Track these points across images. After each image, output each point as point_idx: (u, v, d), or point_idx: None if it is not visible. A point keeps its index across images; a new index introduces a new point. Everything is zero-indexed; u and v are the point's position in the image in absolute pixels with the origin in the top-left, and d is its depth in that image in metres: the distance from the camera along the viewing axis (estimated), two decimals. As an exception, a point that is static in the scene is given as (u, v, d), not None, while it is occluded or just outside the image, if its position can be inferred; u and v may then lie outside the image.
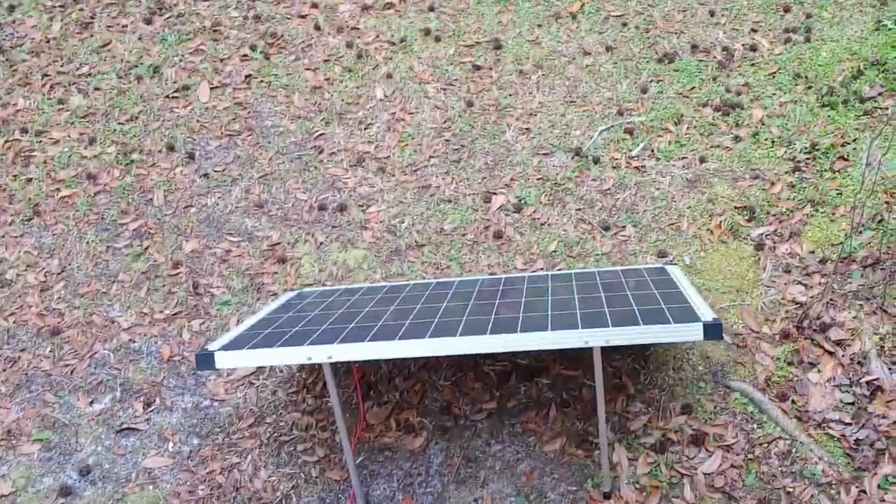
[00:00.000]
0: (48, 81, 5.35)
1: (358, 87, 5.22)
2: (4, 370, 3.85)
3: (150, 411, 3.68)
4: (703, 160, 4.52)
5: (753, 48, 5.10)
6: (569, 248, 4.21)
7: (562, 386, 3.62)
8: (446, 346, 2.87)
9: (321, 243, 4.38)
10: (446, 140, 4.85)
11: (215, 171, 4.80)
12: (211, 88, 5.28)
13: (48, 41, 5.57)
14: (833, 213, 4.16)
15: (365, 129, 4.97)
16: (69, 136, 5.03)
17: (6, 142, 5.01)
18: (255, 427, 3.60)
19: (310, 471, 3.44)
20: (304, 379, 3.76)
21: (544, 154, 4.70)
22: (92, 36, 5.58)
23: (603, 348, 3.70)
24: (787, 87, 4.84)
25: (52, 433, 3.60)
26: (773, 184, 4.35)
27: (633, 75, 5.08)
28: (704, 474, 3.26)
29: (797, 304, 3.80)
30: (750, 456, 3.30)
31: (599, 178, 4.52)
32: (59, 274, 4.29)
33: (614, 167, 4.57)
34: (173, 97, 5.25)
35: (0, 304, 4.15)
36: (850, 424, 3.36)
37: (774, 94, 4.81)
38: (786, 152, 4.50)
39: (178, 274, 4.27)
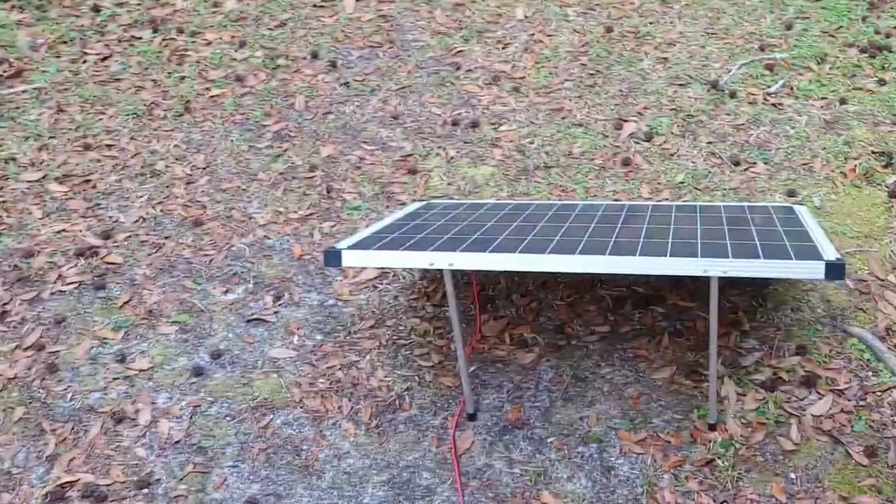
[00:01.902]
0: (203, -16, 5.56)
1: (499, 6, 5.25)
2: (150, 255, 4.12)
3: (279, 305, 3.89)
4: (843, 102, 4.40)
5: (912, -11, 4.91)
6: (696, 181, 4.20)
7: (676, 316, 3.66)
8: (565, 263, 2.94)
9: (452, 158, 4.48)
10: (582, 64, 4.85)
11: (355, 81, 4.94)
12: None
13: (205, -56, 5.78)
14: (978, 166, 4.02)
15: (503, 48, 5.01)
16: (221, 39, 5.24)
17: (163, 40, 5.25)
18: (376, 329, 3.77)
19: (424, 375, 3.59)
20: (426, 287, 3.90)
21: (680, 85, 4.65)
22: (246, -59, 5.76)
23: (721, 283, 3.70)
24: (943, 31, 4.65)
25: (188, 317, 3.85)
26: (916, 131, 4.23)
27: (779, 10, 4.95)
28: (813, 416, 3.27)
29: (928, 255, 3.72)
30: (861, 403, 3.29)
31: (734, 113, 4.46)
32: (203, 169, 4.53)
33: (750, 103, 4.50)
34: (320, 6, 5.39)
35: (150, 193, 4.41)
36: (970, 380, 3.30)
37: (929, 38, 4.63)
38: (934, 99, 4.35)
39: (313, 177, 4.45)
